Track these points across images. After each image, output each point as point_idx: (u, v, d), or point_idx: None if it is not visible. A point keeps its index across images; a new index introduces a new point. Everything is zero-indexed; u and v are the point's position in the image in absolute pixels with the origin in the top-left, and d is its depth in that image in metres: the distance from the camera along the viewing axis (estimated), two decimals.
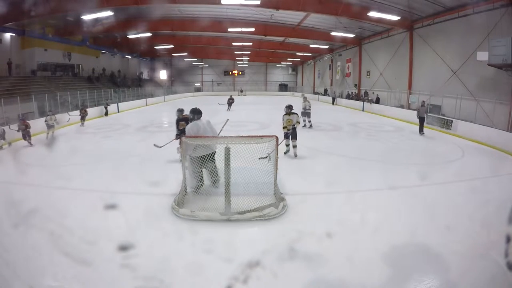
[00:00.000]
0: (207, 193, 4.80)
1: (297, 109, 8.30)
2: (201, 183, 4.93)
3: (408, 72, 16.18)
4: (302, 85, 37.15)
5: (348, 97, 22.58)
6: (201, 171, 4.89)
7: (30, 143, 8.45)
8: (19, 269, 3.04)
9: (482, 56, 10.30)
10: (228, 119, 6.73)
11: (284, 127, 7.05)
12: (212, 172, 4.89)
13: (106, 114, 16.27)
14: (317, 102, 26.65)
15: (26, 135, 8.45)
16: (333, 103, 23.61)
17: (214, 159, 4.84)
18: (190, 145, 4.64)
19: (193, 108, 5.15)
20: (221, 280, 2.85)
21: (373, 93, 19.22)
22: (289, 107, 7.15)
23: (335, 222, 4.13)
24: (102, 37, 22.86)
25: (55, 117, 9.70)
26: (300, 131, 7.62)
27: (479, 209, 4.48)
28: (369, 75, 20.95)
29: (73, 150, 7.71)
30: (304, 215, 4.35)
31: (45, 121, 9.57)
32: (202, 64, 37.83)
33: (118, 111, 17.80)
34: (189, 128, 4.93)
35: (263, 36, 21.96)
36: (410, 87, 16.06)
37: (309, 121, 11.93)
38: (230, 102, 18.50)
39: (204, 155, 4.75)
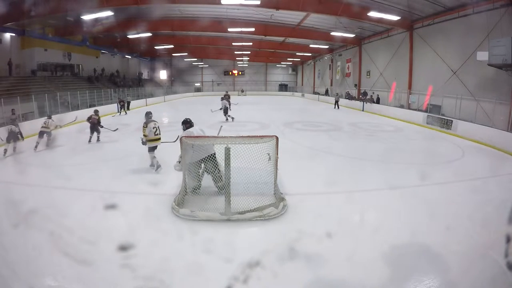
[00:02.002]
0: (207, 193, 4.80)
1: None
2: (199, 184, 4.96)
3: (408, 72, 16.18)
4: (302, 85, 37.13)
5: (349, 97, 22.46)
6: (199, 172, 4.94)
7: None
8: (19, 269, 3.04)
9: (482, 56, 10.29)
10: (222, 126, 7.03)
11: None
12: (215, 178, 4.86)
13: (128, 108, 18.36)
14: (317, 102, 26.67)
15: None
16: (335, 107, 20.28)
17: (215, 162, 4.79)
18: (189, 145, 4.66)
19: (184, 119, 5.36)
20: (221, 280, 2.85)
21: (373, 93, 19.21)
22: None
23: (335, 222, 4.13)
24: (102, 37, 22.84)
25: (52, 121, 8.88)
26: (300, 131, 7.56)
27: (479, 209, 4.49)
28: (369, 75, 20.94)
29: (73, 150, 7.71)
30: (304, 215, 4.35)
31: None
32: (202, 64, 37.81)
33: (118, 111, 17.77)
34: (183, 135, 5.02)
35: (263, 36, 21.95)
36: (410, 87, 16.06)
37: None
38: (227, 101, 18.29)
39: (201, 159, 4.80)
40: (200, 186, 4.96)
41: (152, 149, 6.26)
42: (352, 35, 19.14)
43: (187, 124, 5.32)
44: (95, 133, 9.17)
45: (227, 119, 13.37)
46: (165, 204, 4.54)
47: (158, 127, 6.34)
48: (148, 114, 6.54)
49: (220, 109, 13.66)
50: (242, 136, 4.72)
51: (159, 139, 6.31)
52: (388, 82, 18.48)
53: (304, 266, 3.18)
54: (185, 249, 3.49)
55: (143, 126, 6.28)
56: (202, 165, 4.92)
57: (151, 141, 6.21)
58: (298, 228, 3.91)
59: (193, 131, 5.12)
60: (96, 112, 9.30)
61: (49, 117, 8.86)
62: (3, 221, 3.88)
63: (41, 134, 8.30)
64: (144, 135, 6.20)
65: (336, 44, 24.01)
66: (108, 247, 3.37)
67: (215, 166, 4.76)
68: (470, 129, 10.29)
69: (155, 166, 6.19)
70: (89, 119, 9.13)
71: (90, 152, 8.19)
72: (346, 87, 24.19)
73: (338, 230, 3.86)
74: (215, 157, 4.77)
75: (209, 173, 4.91)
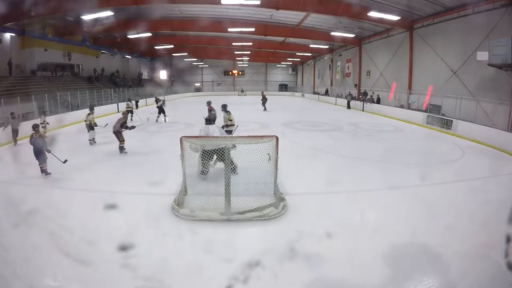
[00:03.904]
0: (207, 193, 4.80)
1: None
2: (206, 170, 5.49)
3: (408, 72, 16.18)
4: (302, 85, 37.11)
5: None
6: (208, 161, 5.47)
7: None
8: (19, 269, 3.04)
9: (482, 56, 10.29)
10: (237, 125, 7.88)
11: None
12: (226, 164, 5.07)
13: (137, 107, 17.97)
14: (317, 102, 26.67)
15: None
16: (348, 107, 20.23)
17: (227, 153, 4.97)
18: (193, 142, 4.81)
19: (209, 115, 6.34)
20: (221, 280, 2.85)
21: (373, 93, 19.22)
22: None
23: (335, 222, 4.13)
24: (102, 37, 22.83)
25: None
26: (300, 131, 7.59)
27: (479, 209, 4.49)
28: (369, 75, 20.94)
29: (73, 150, 7.71)
30: (304, 215, 4.35)
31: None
32: (202, 64, 37.79)
33: (118, 111, 17.78)
34: (202, 129, 5.83)
35: (263, 36, 21.94)
36: (410, 87, 16.06)
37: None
38: (263, 101, 18.88)
39: (211, 150, 5.27)
40: (206, 172, 5.49)
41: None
42: (352, 35, 19.14)
43: (208, 121, 5.97)
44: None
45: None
46: (165, 204, 4.55)
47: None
48: (224, 106, 8.26)
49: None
50: (242, 136, 4.74)
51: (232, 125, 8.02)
52: (388, 82, 18.48)
53: (304, 266, 3.18)
54: (185, 249, 3.49)
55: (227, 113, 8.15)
56: (214, 156, 5.45)
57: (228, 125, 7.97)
58: (298, 228, 3.91)
59: (210, 128, 5.77)
60: (157, 99, 13.86)
61: (130, 100, 13.71)
62: (3, 221, 3.89)
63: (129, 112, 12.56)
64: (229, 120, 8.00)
65: (336, 44, 24.00)
66: (108, 247, 3.37)
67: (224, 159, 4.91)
68: (470, 129, 10.29)
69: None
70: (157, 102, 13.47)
71: (90, 152, 8.19)
72: (346, 87, 24.18)
73: (338, 230, 3.86)
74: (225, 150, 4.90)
75: (220, 161, 5.30)
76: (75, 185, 5.56)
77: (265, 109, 18.48)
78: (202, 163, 5.47)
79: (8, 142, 9.00)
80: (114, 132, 7.85)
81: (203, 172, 5.54)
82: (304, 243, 3.58)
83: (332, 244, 3.58)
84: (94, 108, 9.76)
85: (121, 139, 7.84)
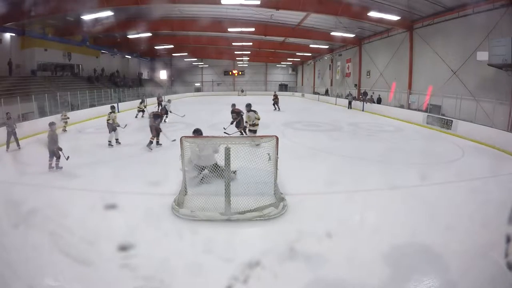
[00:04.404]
0: (207, 193, 4.81)
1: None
2: (199, 176, 5.25)
3: (408, 72, 16.18)
4: (302, 85, 37.11)
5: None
6: (200, 174, 5.24)
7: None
8: (19, 269, 3.04)
9: (482, 56, 10.30)
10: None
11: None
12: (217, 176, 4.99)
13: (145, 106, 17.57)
14: (317, 102, 26.68)
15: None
16: (349, 107, 20.13)
17: (217, 171, 4.93)
18: (189, 147, 4.77)
19: (195, 129, 6.05)
20: (221, 280, 2.85)
21: (373, 93, 19.22)
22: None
23: (335, 222, 4.13)
24: (102, 37, 22.82)
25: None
26: (300, 131, 7.63)
27: (479, 209, 4.49)
28: (369, 75, 20.94)
29: (73, 150, 7.70)
30: (304, 215, 4.35)
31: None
32: (202, 64, 37.79)
33: (118, 111, 17.77)
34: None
35: (263, 36, 21.94)
36: (410, 87, 16.06)
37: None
38: (275, 101, 18.83)
39: (205, 166, 5.15)
40: (200, 177, 5.22)
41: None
42: (352, 35, 19.13)
43: (197, 132, 5.84)
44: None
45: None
46: (165, 204, 4.55)
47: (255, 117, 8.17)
48: (249, 106, 8.51)
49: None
50: (242, 136, 4.74)
51: (257, 124, 8.22)
52: (388, 82, 18.48)
53: (304, 266, 3.18)
54: (185, 249, 3.49)
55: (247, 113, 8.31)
56: (206, 170, 5.25)
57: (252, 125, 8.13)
58: (298, 228, 3.91)
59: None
60: (159, 97, 15.23)
61: (142, 102, 14.26)
62: (3, 221, 3.89)
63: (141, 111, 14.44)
64: (246, 121, 8.24)
65: (336, 44, 23.99)
66: (108, 247, 3.37)
67: (217, 174, 4.89)
68: (470, 129, 10.29)
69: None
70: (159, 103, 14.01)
71: (90, 152, 8.19)
72: (346, 87, 24.17)
73: (338, 230, 3.86)
74: (217, 166, 4.94)
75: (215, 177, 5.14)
76: (75, 185, 5.56)
77: (276, 109, 18.51)
78: (196, 170, 5.32)
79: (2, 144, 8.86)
80: (150, 126, 8.25)
81: (196, 176, 5.35)
82: (304, 243, 3.58)
83: (332, 244, 3.58)
84: (115, 106, 9.46)
85: (154, 134, 8.13)
